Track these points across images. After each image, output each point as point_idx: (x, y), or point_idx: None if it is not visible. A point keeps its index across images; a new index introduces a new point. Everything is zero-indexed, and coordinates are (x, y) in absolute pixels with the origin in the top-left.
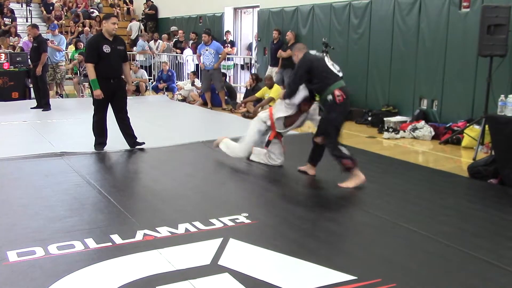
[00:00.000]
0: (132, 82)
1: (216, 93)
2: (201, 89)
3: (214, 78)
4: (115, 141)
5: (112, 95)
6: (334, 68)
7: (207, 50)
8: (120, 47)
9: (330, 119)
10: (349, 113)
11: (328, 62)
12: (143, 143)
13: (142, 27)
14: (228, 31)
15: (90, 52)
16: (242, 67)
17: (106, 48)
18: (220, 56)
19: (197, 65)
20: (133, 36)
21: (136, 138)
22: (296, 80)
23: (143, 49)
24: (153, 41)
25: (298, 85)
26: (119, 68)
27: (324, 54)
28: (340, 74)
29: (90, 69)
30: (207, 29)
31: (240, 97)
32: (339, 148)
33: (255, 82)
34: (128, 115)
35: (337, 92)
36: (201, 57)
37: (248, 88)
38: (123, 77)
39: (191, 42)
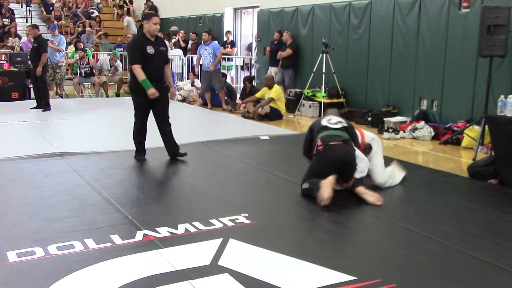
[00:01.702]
0: None
1: (216, 93)
2: (201, 89)
3: (213, 79)
4: (115, 141)
5: (154, 99)
6: (330, 122)
7: (206, 49)
8: (162, 48)
9: (309, 165)
10: (339, 160)
11: (325, 119)
12: (185, 154)
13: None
14: (228, 31)
15: (134, 53)
16: (242, 67)
17: (150, 49)
18: (216, 56)
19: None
20: (132, 31)
21: (178, 147)
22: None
23: None
24: None
25: (305, 144)
26: (161, 71)
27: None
28: (335, 126)
29: (137, 70)
30: (207, 29)
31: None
32: (304, 187)
33: (251, 85)
34: (170, 121)
35: (318, 142)
36: (201, 58)
37: (247, 91)
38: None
39: (191, 42)
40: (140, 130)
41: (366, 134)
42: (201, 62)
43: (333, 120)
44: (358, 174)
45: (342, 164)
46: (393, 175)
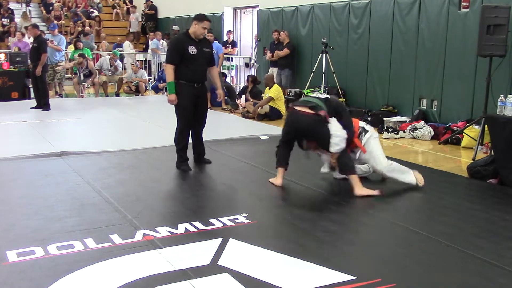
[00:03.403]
0: (132, 82)
1: (215, 93)
2: None
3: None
4: (115, 140)
5: (196, 101)
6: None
7: None
8: (206, 49)
9: None
10: (292, 127)
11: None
12: (210, 161)
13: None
14: (229, 31)
15: (172, 52)
16: (247, 65)
17: (192, 49)
18: (218, 57)
19: None
20: (133, 29)
21: (204, 154)
22: None
23: (157, 47)
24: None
25: None
26: (204, 72)
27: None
28: (312, 95)
29: (168, 70)
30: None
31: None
32: (276, 151)
33: (253, 84)
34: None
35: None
36: None
37: (248, 89)
38: (207, 82)
39: None
40: (186, 135)
41: (360, 122)
42: None
43: (316, 93)
44: (332, 148)
45: (296, 131)
46: (402, 171)
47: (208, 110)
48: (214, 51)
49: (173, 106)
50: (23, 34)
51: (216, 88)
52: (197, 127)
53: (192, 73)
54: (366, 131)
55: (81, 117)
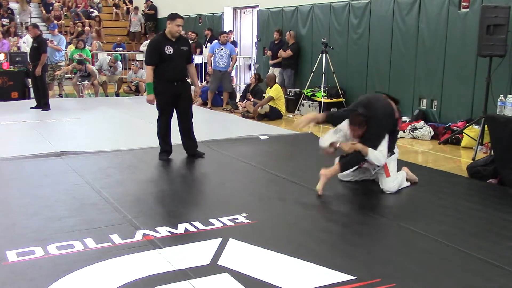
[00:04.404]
0: (132, 82)
1: (216, 93)
2: (210, 88)
3: (225, 79)
4: (115, 140)
5: (176, 98)
6: None
7: (222, 49)
8: (183, 47)
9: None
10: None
11: None
12: (203, 154)
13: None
14: (230, 31)
15: (150, 53)
16: (250, 66)
17: (169, 50)
18: (231, 58)
19: (205, 64)
20: (134, 29)
21: (196, 146)
22: None
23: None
24: None
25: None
26: (183, 70)
27: None
28: None
29: (148, 71)
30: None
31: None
32: None
33: (257, 82)
34: (192, 120)
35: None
36: (213, 57)
37: (250, 87)
38: (189, 80)
39: (190, 41)
40: (166, 130)
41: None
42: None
43: None
44: (373, 157)
45: (368, 107)
46: (401, 184)
47: (208, 110)
48: (228, 51)
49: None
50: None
51: (194, 85)
52: (184, 123)
53: (170, 72)
54: (393, 153)
55: (81, 117)
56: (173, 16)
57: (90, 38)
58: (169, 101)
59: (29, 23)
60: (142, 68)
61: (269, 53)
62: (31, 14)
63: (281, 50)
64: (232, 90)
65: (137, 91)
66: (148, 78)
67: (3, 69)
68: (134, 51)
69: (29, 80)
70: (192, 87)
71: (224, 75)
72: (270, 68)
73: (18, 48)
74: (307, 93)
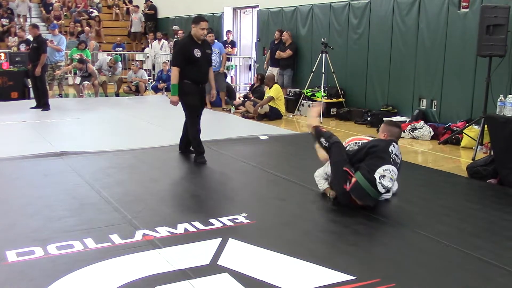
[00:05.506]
0: (132, 82)
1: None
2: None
3: (218, 79)
4: (115, 140)
5: (201, 100)
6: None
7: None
8: (208, 50)
9: None
10: None
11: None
12: (205, 161)
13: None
14: (229, 31)
15: (179, 56)
16: (250, 67)
17: (197, 53)
18: (221, 57)
19: None
20: (135, 29)
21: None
22: None
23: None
24: (157, 40)
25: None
26: (207, 73)
27: None
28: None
29: (174, 72)
30: (210, 29)
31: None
32: None
33: (259, 83)
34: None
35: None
36: None
37: (253, 87)
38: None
39: None
40: (198, 130)
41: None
42: None
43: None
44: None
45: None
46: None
47: (208, 110)
48: (217, 51)
49: (179, 105)
50: None
51: (211, 88)
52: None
53: (197, 74)
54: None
55: (81, 117)
56: (198, 20)
57: (88, 40)
58: (197, 101)
59: (27, 15)
60: (142, 68)
61: (267, 57)
62: (30, 8)
63: (278, 51)
64: (230, 88)
65: (137, 91)
66: (174, 80)
67: (3, 69)
68: (134, 51)
69: (29, 80)
70: (212, 91)
71: (217, 75)
72: (269, 68)
73: (18, 48)
74: (307, 93)
